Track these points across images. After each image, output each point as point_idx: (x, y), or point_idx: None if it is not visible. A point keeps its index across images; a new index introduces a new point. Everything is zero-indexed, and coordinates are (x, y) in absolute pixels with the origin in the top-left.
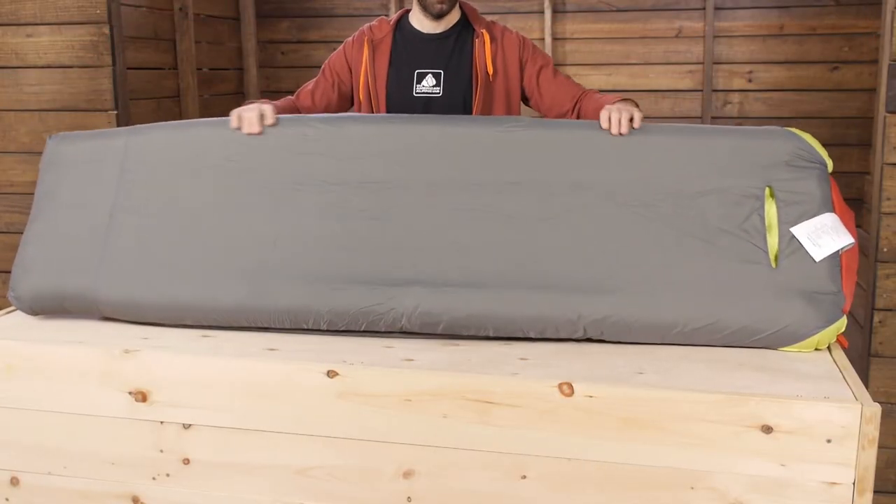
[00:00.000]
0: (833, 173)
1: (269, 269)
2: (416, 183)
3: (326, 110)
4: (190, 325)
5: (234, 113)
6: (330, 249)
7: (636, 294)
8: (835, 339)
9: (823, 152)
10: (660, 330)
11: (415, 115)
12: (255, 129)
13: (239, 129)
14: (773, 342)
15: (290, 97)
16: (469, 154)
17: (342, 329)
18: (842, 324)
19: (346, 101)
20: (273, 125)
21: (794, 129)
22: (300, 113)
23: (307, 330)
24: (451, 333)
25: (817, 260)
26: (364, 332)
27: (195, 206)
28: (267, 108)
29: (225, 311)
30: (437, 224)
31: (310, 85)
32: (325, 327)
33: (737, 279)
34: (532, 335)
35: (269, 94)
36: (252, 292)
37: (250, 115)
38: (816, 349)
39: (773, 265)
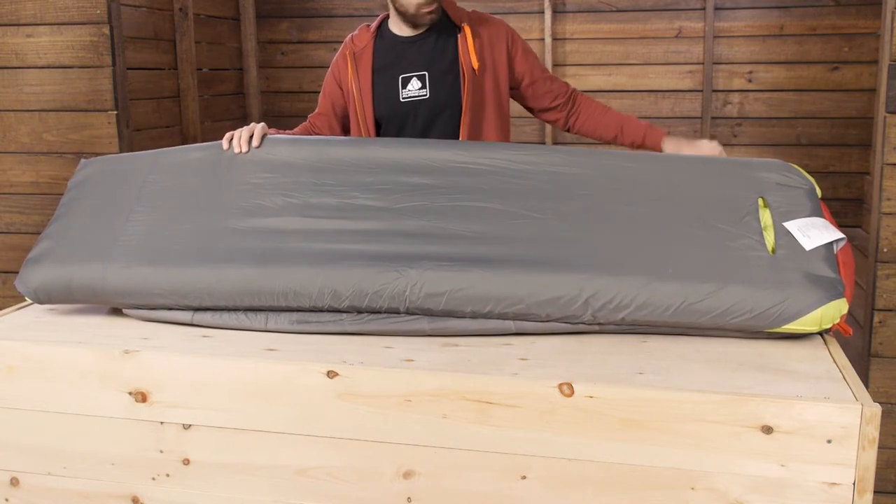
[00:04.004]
0: (833, 173)
1: (276, 253)
2: (430, 187)
3: (331, 132)
4: (191, 306)
5: (227, 135)
6: (336, 237)
7: (638, 273)
8: (839, 321)
9: (812, 179)
10: (660, 307)
11: (441, 141)
12: (244, 148)
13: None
14: (775, 319)
15: (304, 124)
16: (486, 173)
17: (345, 307)
18: (843, 304)
19: (349, 121)
20: (257, 147)
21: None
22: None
23: (307, 326)
24: (453, 311)
25: (807, 249)
26: (366, 310)
27: (210, 203)
28: (259, 128)
29: (229, 292)
30: (445, 217)
31: (316, 109)
32: (328, 303)
33: (736, 259)
34: (535, 311)
35: (268, 94)
36: (258, 273)
37: (240, 134)
38: (821, 331)
39: (771, 253)
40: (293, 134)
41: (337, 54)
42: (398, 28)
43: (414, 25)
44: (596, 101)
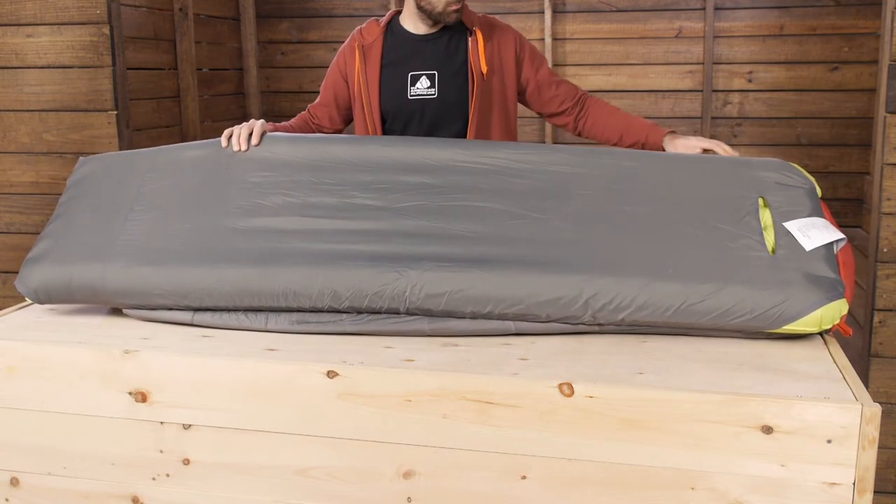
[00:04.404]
0: (833, 173)
1: (276, 254)
2: (429, 187)
3: (331, 124)
4: (191, 306)
5: (226, 132)
6: (336, 237)
7: (638, 273)
8: (838, 321)
9: (812, 179)
10: (660, 307)
11: (441, 140)
12: (243, 146)
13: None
14: (775, 320)
15: (303, 114)
16: (486, 173)
17: (345, 307)
18: (843, 305)
19: (349, 113)
20: (256, 145)
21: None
22: (312, 126)
23: (307, 326)
24: (453, 312)
25: (807, 249)
26: (366, 310)
27: (209, 202)
28: (258, 125)
29: (229, 292)
30: (445, 217)
31: (316, 99)
32: (327, 304)
33: (736, 260)
34: (535, 312)
35: (268, 94)
36: (257, 273)
37: (240, 132)
38: (821, 331)
39: (771, 254)
40: (291, 124)
41: (343, 45)
42: (413, 25)
43: (435, 23)
44: (605, 102)
